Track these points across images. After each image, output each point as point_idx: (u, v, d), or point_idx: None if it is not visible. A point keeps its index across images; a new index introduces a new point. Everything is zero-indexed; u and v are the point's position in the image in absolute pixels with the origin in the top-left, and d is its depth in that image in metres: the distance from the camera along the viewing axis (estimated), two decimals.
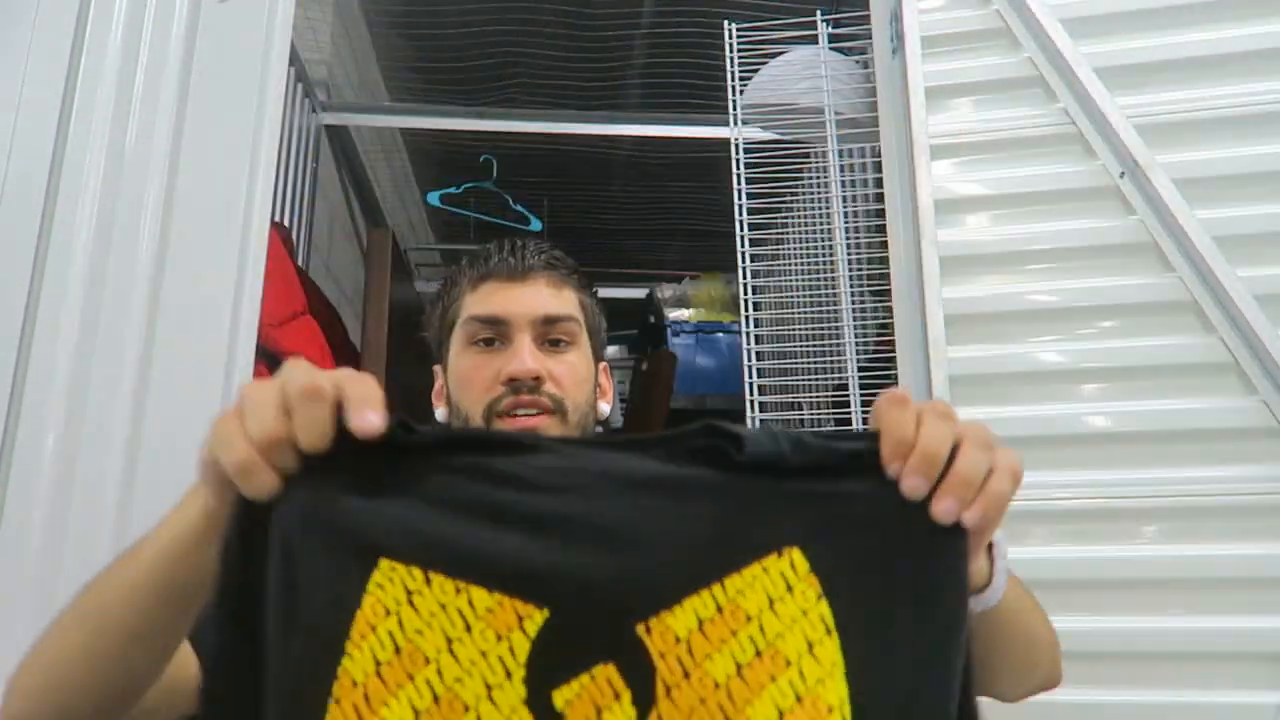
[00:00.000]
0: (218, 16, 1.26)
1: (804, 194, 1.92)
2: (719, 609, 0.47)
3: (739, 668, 0.46)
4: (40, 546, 1.05)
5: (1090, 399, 1.25)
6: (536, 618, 0.46)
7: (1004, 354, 1.27)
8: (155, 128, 1.19)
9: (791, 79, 1.76)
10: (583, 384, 0.90)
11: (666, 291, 2.99)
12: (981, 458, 0.49)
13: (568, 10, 2.43)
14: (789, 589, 0.48)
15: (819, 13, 1.80)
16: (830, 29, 1.79)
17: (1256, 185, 1.26)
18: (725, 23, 1.81)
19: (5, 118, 1.15)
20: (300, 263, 1.98)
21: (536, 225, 2.80)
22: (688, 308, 2.93)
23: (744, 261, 1.66)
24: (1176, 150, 1.28)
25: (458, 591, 0.46)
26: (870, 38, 1.53)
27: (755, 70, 1.79)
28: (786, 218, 1.98)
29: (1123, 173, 1.29)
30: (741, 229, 1.67)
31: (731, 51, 1.77)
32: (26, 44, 1.18)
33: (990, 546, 0.57)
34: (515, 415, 0.86)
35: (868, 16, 1.53)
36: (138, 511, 1.09)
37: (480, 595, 0.46)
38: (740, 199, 1.68)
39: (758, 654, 0.47)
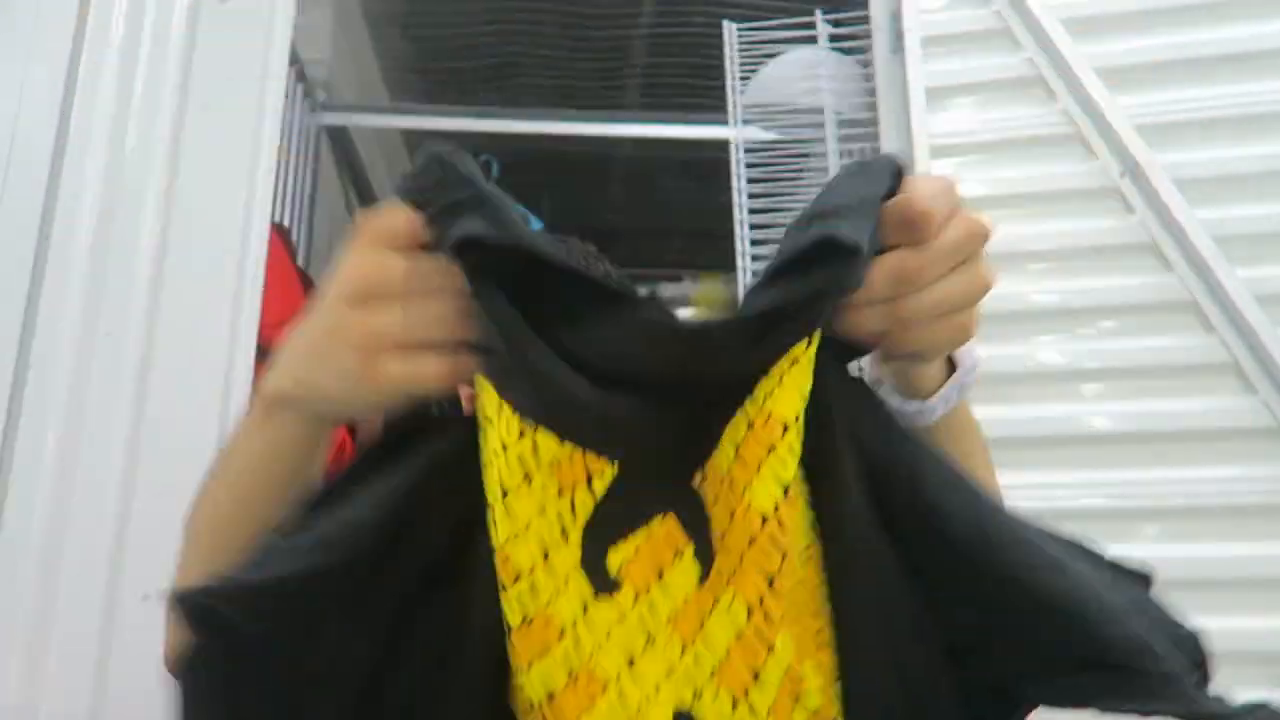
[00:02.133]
0: (218, 16, 1.26)
1: (804, 194, 1.92)
2: (749, 425, 0.41)
3: (786, 490, 0.40)
4: (40, 546, 1.05)
5: (1090, 399, 1.25)
6: (607, 474, 0.41)
7: (1004, 354, 1.27)
8: (155, 128, 1.19)
9: (791, 79, 1.76)
10: None
11: (666, 291, 2.99)
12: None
13: (568, 10, 2.43)
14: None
15: (819, 13, 1.80)
16: (830, 29, 1.79)
17: (1256, 185, 1.26)
18: (725, 23, 1.81)
19: (5, 116, 1.15)
20: (300, 263, 1.98)
21: (537, 225, 2.80)
22: (688, 308, 2.93)
23: (744, 261, 1.66)
24: (1176, 150, 1.28)
25: (521, 435, 0.40)
26: (870, 38, 1.53)
27: (755, 70, 1.79)
28: (787, 218, 1.98)
29: (1123, 173, 1.29)
30: (741, 229, 1.67)
31: (731, 51, 1.77)
32: (26, 44, 1.18)
33: (953, 360, 0.50)
34: None
35: (868, 16, 1.53)
36: (138, 511, 1.09)
37: (547, 443, 0.40)
38: (740, 199, 1.68)
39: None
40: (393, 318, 0.42)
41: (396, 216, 0.45)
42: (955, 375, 0.49)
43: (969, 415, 0.52)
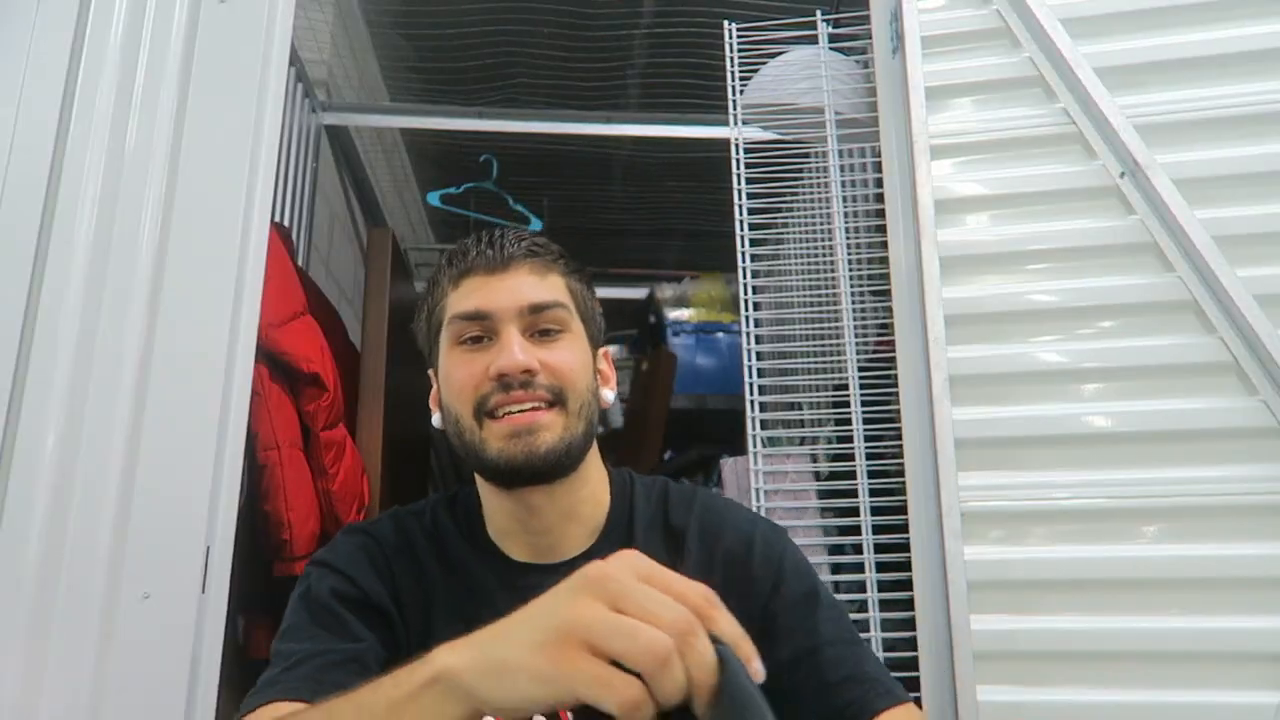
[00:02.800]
0: (218, 16, 1.26)
1: (804, 194, 1.92)
2: None
3: None
4: (40, 546, 1.05)
5: (1090, 399, 1.25)
6: None
7: (1004, 354, 1.27)
8: (155, 128, 1.19)
9: (791, 79, 1.76)
10: (581, 370, 0.86)
11: (666, 291, 2.99)
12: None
13: (567, 10, 2.43)
14: None
15: (819, 13, 1.80)
16: (830, 29, 1.79)
17: (1256, 185, 1.26)
18: (725, 23, 1.81)
19: (5, 117, 1.15)
20: (300, 263, 1.98)
21: (537, 225, 2.80)
22: (688, 308, 2.93)
23: (744, 261, 1.66)
24: (1176, 150, 1.28)
25: None
26: (870, 38, 1.52)
27: (755, 70, 1.79)
28: (786, 218, 1.98)
29: (1123, 173, 1.29)
30: (741, 229, 1.67)
31: (731, 51, 1.77)
32: (26, 44, 1.18)
33: None
34: (509, 413, 0.82)
35: (868, 16, 1.53)
36: (138, 511, 1.09)
37: None
38: (740, 199, 1.68)
39: None
40: (609, 615, 0.42)
41: (647, 567, 0.45)
42: None
43: None
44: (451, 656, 0.48)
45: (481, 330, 0.85)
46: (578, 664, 0.42)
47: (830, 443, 1.68)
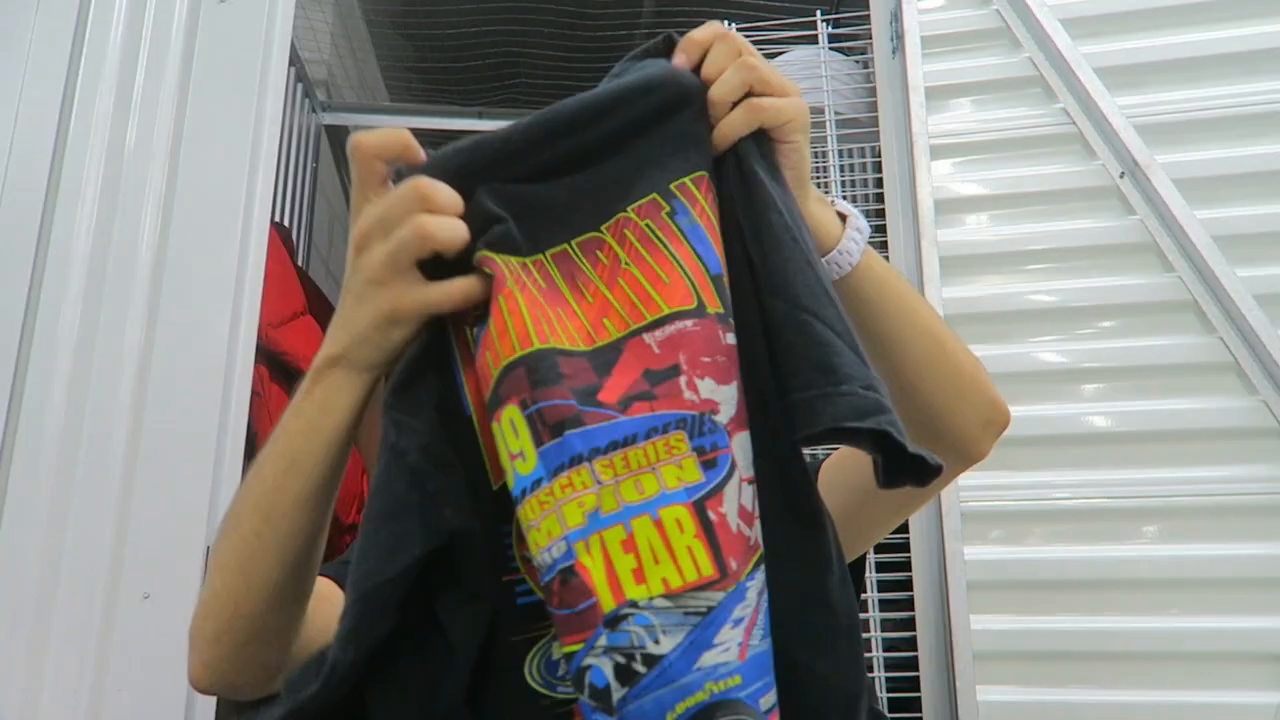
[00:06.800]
0: (218, 16, 1.26)
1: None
2: None
3: None
4: (40, 546, 1.05)
5: (1090, 399, 1.25)
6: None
7: (1004, 354, 1.27)
8: (155, 128, 1.19)
9: (791, 79, 1.76)
10: None
11: None
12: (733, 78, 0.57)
13: (568, 10, 2.43)
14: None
15: (819, 13, 1.80)
16: (830, 29, 1.79)
17: (1256, 185, 1.26)
18: (725, 23, 1.81)
19: (5, 117, 1.15)
20: (300, 263, 1.98)
21: None
22: None
23: None
24: (1176, 150, 1.28)
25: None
26: (870, 38, 1.53)
27: None
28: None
29: (1123, 173, 1.29)
30: None
31: None
32: (26, 44, 1.18)
33: (844, 218, 0.62)
34: None
35: (868, 16, 1.53)
36: (138, 511, 1.09)
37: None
38: None
39: None
40: (377, 248, 0.50)
41: (371, 145, 0.52)
42: (847, 223, 0.61)
43: (885, 265, 0.64)
44: (324, 349, 0.53)
45: None
46: (395, 295, 0.49)
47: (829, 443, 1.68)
